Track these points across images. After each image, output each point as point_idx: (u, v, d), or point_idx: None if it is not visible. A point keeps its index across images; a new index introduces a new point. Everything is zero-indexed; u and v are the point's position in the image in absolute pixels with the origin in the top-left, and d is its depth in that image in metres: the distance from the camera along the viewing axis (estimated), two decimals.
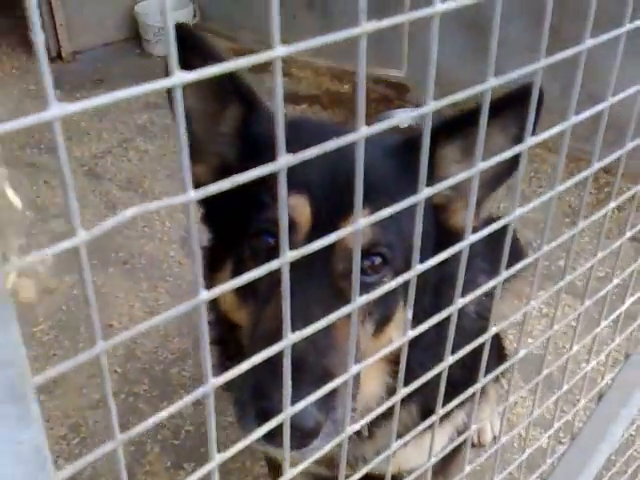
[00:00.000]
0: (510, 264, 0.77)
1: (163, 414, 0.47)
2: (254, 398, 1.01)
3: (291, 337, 0.50)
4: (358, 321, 1.02)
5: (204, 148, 1.27)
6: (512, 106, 1.07)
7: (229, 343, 1.34)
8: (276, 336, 0.50)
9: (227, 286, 0.46)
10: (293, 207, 1.12)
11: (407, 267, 1.12)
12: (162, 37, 5.18)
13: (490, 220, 0.88)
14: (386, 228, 1.14)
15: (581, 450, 1.16)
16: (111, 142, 3.88)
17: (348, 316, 0.66)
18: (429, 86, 0.54)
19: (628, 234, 1.15)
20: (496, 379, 2.04)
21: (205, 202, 1.28)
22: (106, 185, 3.52)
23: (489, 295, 0.84)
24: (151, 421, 0.46)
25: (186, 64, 0.41)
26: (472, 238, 0.66)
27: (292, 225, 1.12)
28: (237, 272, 1.22)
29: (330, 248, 1.08)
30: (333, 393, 0.90)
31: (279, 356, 0.51)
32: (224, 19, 5.21)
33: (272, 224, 1.12)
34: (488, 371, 0.84)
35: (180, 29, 1.03)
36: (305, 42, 0.43)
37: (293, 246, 1.11)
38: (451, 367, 0.75)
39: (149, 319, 0.43)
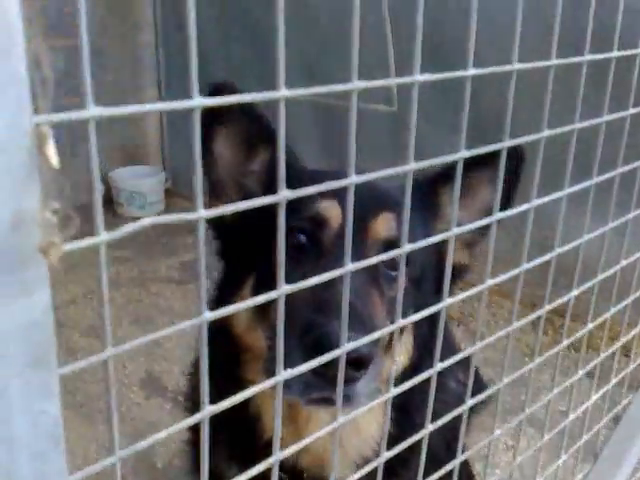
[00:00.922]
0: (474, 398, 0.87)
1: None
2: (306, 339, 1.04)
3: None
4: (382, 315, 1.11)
5: (227, 188, 1.40)
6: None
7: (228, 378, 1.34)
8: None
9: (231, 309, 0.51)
10: (325, 208, 1.28)
11: (419, 280, 1.24)
12: (135, 200, 5.64)
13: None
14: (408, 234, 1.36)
15: None
16: (76, 293, 4.00)
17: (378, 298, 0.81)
18: (410, 150, 0.60)
19: (580, 372, 1.26)
20: None
21: (224, 234, 1.40)
22: (67, 332, 3.58)
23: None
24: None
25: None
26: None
27: (324, 223, 1.27)
28: (261, 282, 1.28)
29: (362, 241, 1.25)
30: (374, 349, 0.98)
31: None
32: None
33: (305, 222, 1.25)
34: None
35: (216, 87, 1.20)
36: (305, 89, 0.50)
37: (326, 240, 1.23)
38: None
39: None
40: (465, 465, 1.98)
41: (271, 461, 0.58)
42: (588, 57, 0.83)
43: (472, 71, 0.62)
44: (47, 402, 0.45)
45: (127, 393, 3.21)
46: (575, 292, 1.06)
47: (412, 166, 0.57)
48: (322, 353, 0.61)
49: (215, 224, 1.38)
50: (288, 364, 1.04)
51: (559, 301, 1.02)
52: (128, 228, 0.46)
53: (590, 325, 1.18)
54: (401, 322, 0.61)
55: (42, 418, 0.44)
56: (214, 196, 1.40)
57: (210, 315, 0.49)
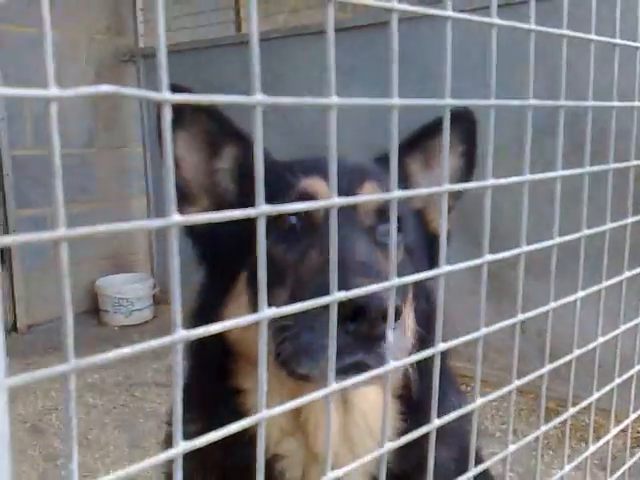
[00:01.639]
0: None
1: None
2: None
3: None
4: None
5: (196, 191, 1.38)
6: (456, 126, 1.27)
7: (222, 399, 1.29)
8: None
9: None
10: (312, 185, 1.27)
11: (413, 249, 1.26)
12: (121, 307, 5.67)
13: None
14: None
15: None
16: (58, 400, 3.94)
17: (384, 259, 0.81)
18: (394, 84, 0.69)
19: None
20: None
21: (203, 238, 1.37)
22: (49, 439, 3.52)
23: None
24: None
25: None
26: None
27: (312, 199, 1.18)
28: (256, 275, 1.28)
29: (355, 211, 1.25)
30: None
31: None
32: (182, 289, 5.71)
33: (293, 202, 1.27)
34: None
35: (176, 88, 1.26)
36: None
37: (317, 217, 1.23)
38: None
39: None
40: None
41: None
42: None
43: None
44: None
45: None
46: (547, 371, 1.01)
47: (396, 101, 0.56)
48: (354, 309, 0.60)
49: (191, 230, 1.37)
50: (319, 339, 1.01)
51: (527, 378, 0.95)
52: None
53: (572, 410, 1.09)
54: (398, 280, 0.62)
55: None
56: (185, 201, 1.39)
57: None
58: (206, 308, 1.37)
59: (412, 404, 1.30)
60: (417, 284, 1.26)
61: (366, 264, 1.07)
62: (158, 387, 4.29)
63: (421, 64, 3.35)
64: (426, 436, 0.83)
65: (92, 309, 5.58)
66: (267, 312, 0.51)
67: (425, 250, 1.41)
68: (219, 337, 1.26)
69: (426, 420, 0.73)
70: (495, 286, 2.95)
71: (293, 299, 1.15)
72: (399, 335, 1.05)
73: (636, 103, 1.05)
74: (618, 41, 0.89)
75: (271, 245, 1.22)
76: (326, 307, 0.86)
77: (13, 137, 5.12)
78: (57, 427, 3.83)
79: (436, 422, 0.67)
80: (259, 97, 0.48)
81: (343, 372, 1.00)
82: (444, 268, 0.64)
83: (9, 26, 4.98)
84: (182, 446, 0.49)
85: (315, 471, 1.29)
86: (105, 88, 0.41)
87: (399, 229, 1.34)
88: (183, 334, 0.46)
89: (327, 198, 1.25)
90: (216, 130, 1.37)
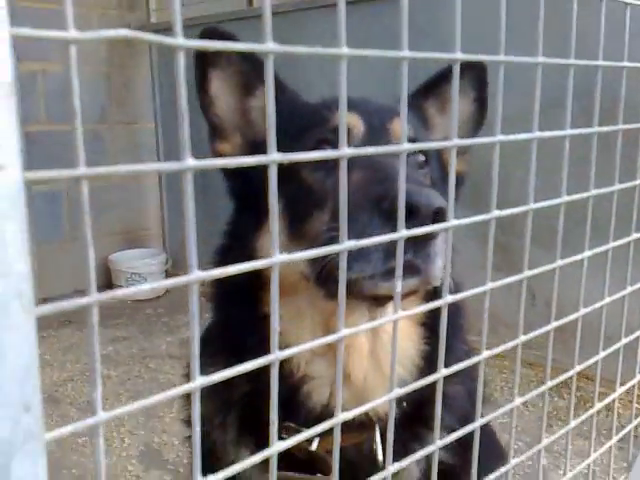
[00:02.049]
0: (491, 464, 0.88)
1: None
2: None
3: None
4: None
5: (230, 127, 1.43)
6: (467, 74, 1.42)
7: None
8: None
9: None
10: (348, 121, 1.27)
11: (436, 185, 1.28)
12: (135, 282, 5.73)
13: None
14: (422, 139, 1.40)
15: None
16: (74, 371, 4.03)
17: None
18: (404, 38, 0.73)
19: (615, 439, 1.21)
20: None
21: (235, 173, 1.41)
22: (65, 408, 3.59)
23: None
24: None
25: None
26: None
27: (349, 132, 1.29)
28: (293, 203, 1.26)
29: (389, 141, 1.30)
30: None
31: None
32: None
33: (329, 133, 1.29)
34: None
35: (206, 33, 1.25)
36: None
37: (351, 145, 1.16)
38: None
39: None
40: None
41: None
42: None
43: None
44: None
45: (126, 465, 3.21)
46: (602, 354, 1.08)
47: (406, 53, 0.58)
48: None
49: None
50: (370, 251, 1.03)
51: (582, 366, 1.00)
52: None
53: (577, 368, 1.07)
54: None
55: None
56: (218, 137, 1.44)
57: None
58: (237, 242, 1.41)
59: (435, 330, 1.33)
60: None
61: (409, 176, 1.11)
62: (172, 359, 4.34)
63: (435, 36, 3.36)
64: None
65: (105, 284, 5.60)
66: (279, 257, 0.53)
67: (445, 189, 1.42)
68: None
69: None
70: (504, 258, 2.96)
71: (336, 220, 1.15)
72: (444, 239, 1.06)
73: None
74: (630, 0, 0.90)
75: (309, 173, 1.28)
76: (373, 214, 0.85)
77: (26, 113, 5.15)
78: (73, 397, 3.89)
79: (443, 371, 0.68)
80: (271, 46, 0.49)
81: (392, 273, 0.98)
82: (452, 222, 0.65)
83: (28, 2, 4.99)
84: (200, 380, 0.49)
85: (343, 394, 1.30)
86: (123, 32, 0.42)
87: (427, 162, 1.41)
88: (199, 274, 0.48)
89: (360, 132, 1.31)
90: (250, 70, 1.41)
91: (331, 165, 1.25)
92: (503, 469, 0.80)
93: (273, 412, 0.55)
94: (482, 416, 0.80)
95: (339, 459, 0.62)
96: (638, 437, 1.36)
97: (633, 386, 1.21)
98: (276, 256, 0.53)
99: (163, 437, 3.39)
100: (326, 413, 1.30)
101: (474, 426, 0.73)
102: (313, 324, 1.32)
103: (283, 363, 1.26)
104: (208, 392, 1.39)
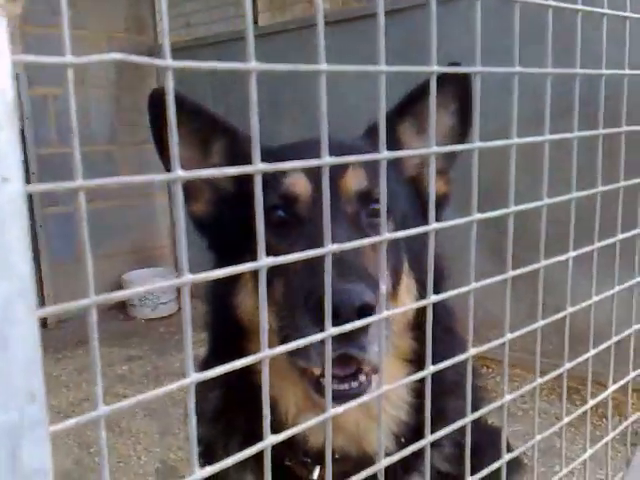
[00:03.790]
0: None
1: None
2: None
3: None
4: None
5: (196, 186, 1.45)
6: (447, 85, 1.32)
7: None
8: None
9: None
10: (293, 183, 1.30)
11: (403, 223, 1.27)
12: (147, 301, 5.79)
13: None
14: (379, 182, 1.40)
15: None
16: (89, 392, 4.01)
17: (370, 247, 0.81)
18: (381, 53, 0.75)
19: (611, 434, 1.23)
20: None
21: (209, 229, 1.46)
22: (81, 428, 3.60)
23: None
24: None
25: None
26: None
27: (296, 198, 1.30)
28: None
29: (337, 198, 1.26)
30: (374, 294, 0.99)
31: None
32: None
33: (278, 199, 1.29)
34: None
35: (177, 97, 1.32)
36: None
37: (302, 211, 1.28)
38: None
39: None
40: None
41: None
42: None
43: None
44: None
45: None
46: (593, 351, 1.11)
47: (384, 67, 0.60)
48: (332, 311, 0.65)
49: (199, 223, 1.46)
50: (305, 336, 1.07)
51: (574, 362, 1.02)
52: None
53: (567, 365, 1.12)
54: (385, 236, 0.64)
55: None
56: (189, 197, 1.46)
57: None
58: (218, 293, 1.45)
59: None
60: (418, 249, 1.28)
61: (343, 261, 1.10)
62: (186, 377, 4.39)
63: (442, 51, 3.41)
64: (440, 389, 0.87)
65: (119, 303, 5.69)
66: (266, 260, 0.57)
67: (421, 217, 1.40)
68: (234, 321, 1.37)
69: (437, 378, 0.78)
70: (515, 269, 2.98)
71: (286, 294, 1.23)
72: (381, 325, 1.11)
73: None
74: (629, 14, 0.95)
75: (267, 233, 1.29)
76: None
77: (38, 136, 5.25)
78: None
79: (431, 368, 0.72)
80: (253, 64, 0.53)
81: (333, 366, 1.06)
82: (433, 225, 0.69)
83: (33, 27, 5.09)
84: (194, 377, 0.54)
85: (340, 434, 1.36)
86: (115, 55, 0.47)
87: (388, 209, 1.38)
88: (190, 277, 0.52)
89: (308, 195, 1.27)
90: (202, 127, 1.41)
91: (282, 233, 1.29)
92: (495, 464, 0.83)
93: (265, 407, 0.59)
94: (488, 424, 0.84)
95: None
96: (637, 434, 1.37)
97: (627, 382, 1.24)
98: (263, 259, 0.57)
99: (179, 454, 3.43)
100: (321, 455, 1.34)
101: (464, 421, 0.76)
102: (294, 380, 1.33)
103: (274, 413, 1.31)
104: (212, 419, 1.49)
